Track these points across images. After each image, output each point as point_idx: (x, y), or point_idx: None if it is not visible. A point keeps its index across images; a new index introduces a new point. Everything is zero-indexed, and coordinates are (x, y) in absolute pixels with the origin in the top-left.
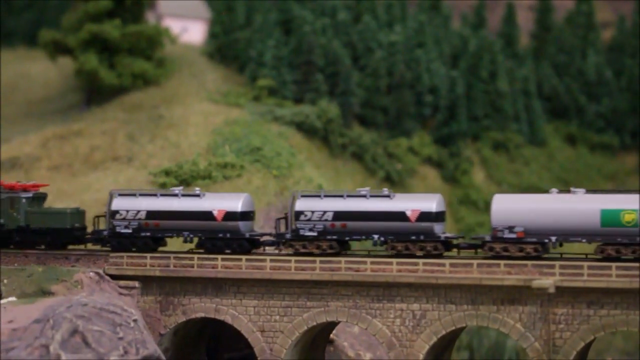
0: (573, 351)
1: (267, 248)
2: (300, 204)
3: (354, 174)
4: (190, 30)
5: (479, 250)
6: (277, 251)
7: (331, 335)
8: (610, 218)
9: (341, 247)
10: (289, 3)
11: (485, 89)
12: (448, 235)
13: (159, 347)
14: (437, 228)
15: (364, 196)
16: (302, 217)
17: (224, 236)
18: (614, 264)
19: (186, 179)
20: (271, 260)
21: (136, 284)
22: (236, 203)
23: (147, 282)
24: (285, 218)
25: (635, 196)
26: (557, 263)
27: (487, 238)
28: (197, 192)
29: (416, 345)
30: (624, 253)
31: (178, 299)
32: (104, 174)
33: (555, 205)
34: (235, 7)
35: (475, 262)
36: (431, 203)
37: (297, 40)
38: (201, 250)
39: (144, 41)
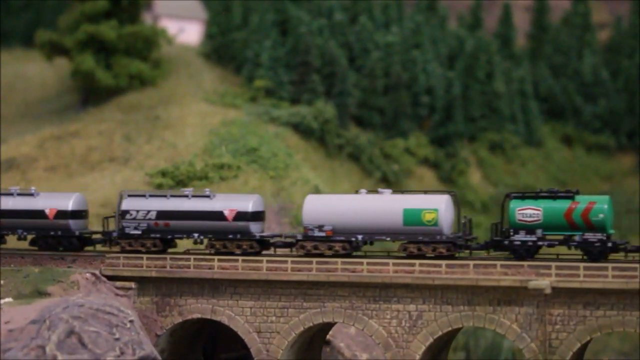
0: (569, 352)
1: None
2: (126, 204)
3: (350, 174)
4: (186, 31)
5: (293, 249)
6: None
7: (328, 336)
8: (411, 217)
9: (165, 245)
10: (285, 4)
11: (481, 90)
12: (264, 234)
13: (155, 348)
14: (254, 227)
15: (186, 196)
16: (127, 216)
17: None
18: (610, 265)
19: (183, 180)
20: (268, 261)
21: (132, 284)
22: (247, 203)
23: (144, 283)
24: (114, 217)
25: (435, 196)
26: (554, 264)
27: (299, 237)
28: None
29: (412, 346)
30: (425, 251)
31: (174, 299)
32: (100, 174)
33: (362, 205)
34: (231, 7)
35: (471, 262)
36: (248, 203)
37: (294, 41)
38: (199, 251)
39: (140, 42)
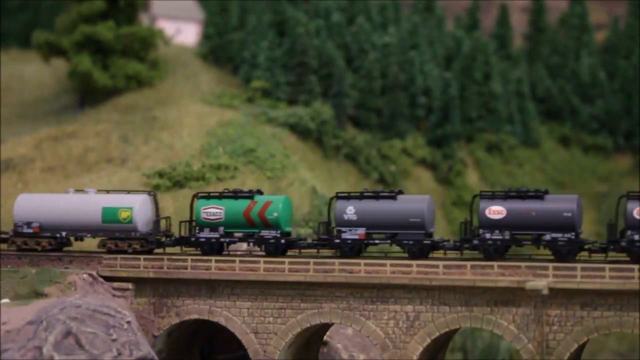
0: (566, 352)
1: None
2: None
3: (347, 175)
4: (184, 32)
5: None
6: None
7: (325, 337)
8: (109, 215)
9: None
10: (282, 4)
11: (478, 91)
12: None
13: (152, 349)
14: None
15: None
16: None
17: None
18: (607, 266)
19: (180, 181)
20: (265, 262)
21: (130, 285)
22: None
23: (141, 284)
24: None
25: (132, 196)
26: (551, 265)
27: (11, 233)
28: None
29: (410, 346)
30: (122, 246)
31: (172, 300)
32: (97, 175)
33: (67, 204)
34: (229, 8)
35: (469, 263)
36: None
37: (291, 41)
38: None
39: (137, 42)
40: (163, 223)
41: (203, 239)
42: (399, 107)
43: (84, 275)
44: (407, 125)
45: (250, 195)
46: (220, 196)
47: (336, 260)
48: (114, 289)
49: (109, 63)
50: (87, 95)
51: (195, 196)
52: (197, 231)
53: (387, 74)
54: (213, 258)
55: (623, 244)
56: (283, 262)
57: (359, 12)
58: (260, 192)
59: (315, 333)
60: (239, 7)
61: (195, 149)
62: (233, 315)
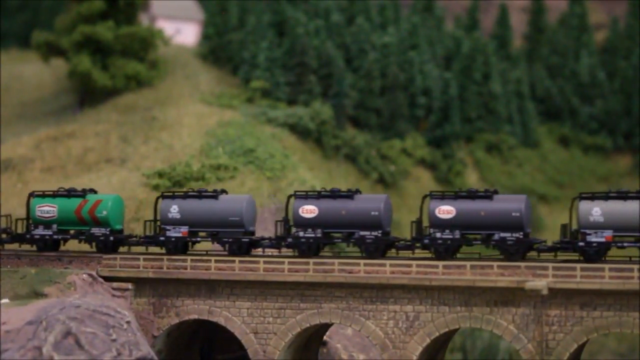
0: (566, 353)
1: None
2: None
3: (347, 175)
4: (183, 32)
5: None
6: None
7: (324, 337)
8: None
9: None
10: (282, 4)
11: (478, 91)
12: None
13: (152, 349)
14: None
15: None
16: None
17: None
18: (607, 266)
19: (179, 181)
20: (265, 262)
21: (129, 285)
22: None
23: (141, 284)
24: None
25: None
26: (550, 265)
27: None
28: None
29: (409, 346)
30: None
31: (171, 300)
32: (97, 175)
33: None
34: (228, 8)
35: (468, 263)
36: None
37: (291, 41)
38: (197, 252)
39: (137, 43)
40: (4, 221)
41: (37, 237)
42: (399, 107)
43: (84, 275)
44: (406, 125)
45: (82, 194)
46: (54, 195)
47: (336, 261)
48: (114, 289)
49: (108, 63)
50: (87, 95)
51: (30, 195)
52: (32, 228)
53: (386, 74)
54: (213, 258)
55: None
56: (283, 262)
57: (358, 12)
58: (94, 191)
59: (314, 333)
60: (239, 7)
61: (194, 149)
62: (233, 316)
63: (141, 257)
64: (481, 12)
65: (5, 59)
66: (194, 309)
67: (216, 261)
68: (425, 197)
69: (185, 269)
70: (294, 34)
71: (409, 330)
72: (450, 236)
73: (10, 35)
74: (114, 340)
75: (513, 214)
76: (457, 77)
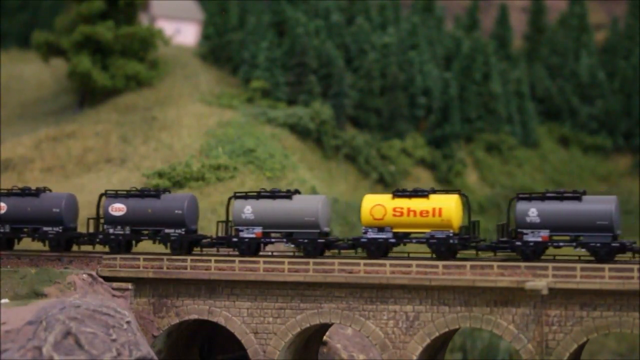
0: (566, 353)
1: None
2: None
3: (347, 175)
4: (183, 32)
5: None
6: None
7: (324, 337)
8: None
9: None
10: (282, 5)
11: (478, 91)
12: None
13: (152, 349)
14: None
15: None
16: None
17: None
18: (607, 266)
19: (179, 181)
20: (264, 262)
21: (129, 285)
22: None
23: (141, 284)
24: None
25: None
26: (550, 265)
27: None
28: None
29: (409, 347)
30: None
31: (171, 300)
32: (96, 175)
33: None
34: (228, 8)
35: (468, 263)
36: None
37: (291, 41)
38: (197, 252)
39: (137, 43)
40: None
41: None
42: (399, 107)
43: (84, 275)
44: (406, 125)
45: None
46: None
47: (335, 260)
48: (114, 289)
49: (108, 63)
50: (87, 95)
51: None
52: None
53: (386, 74)
54: (213, 258)
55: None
56: (283, 262)
57: (358, 12)
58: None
59: (314, 333)
60: (239, 7)
61: (194, 149)
62: (233, 316)
63: (141, 257)
64: (481, 12)
65: (5, 59)
66: (194, 309)
67: (216, 261)
68: (101, 196)
69: (185, 269)
70: (294, 34)
71: (409, 330)
72: (122, 232)
73: (10, 35)
74: (114, 340)
75: (176, 211)
76: (457, 77)
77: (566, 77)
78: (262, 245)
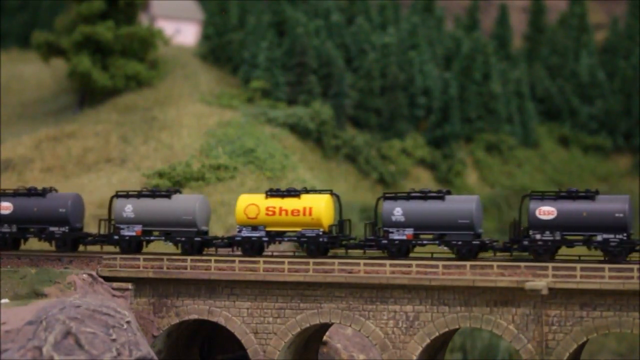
0: (566, 353)
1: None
2: None
3: (347, 175)
4: (183, 32)
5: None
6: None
7: (324, 337)
8: None
9: None
10: (282, 5)
11: (478, 91)
12: None
13: (152, 349)
14: None
15: None
16: None
17: None
18: (606, 266)
19: (179, 181)
20: (264, 262)
21: (129, 285)
22: None
23: (141, 284)
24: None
25: None
26: (550, 265)
27: None
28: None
29: (409, 346)
30: None
31: (171, 300)
32: (96, 175)
33: None
34: (228, 8)
35: (468, 263)
36: None
37: (291, 41)
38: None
39: (137, 43)
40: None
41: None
42: (399, 107)
43: (84, 275)
44: (406, 125)
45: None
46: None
47: (335, 260)
48: (114, 289)
49: (108, 63)
50: (87, 95)
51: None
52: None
53: (386, 74)
54: (212, 258)
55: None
56: (283, 262)
57: (358, 12)
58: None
59: (314, 333)
60: (239, 7)
61: (194, 149)
62: (233, 316)
63: (141, 257)
64: (481, 12)
65: (5, 59)
66: (194, 309)
67: (216, 261)
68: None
69: (185, 269)
70: (294, 34)
71: (408, 330)
72: (9, 230)
73: (10, 35)
74: (114, 340)
75: (61, 210)
76: (457, 77)
77: (566, 77)
78: (144, 243)
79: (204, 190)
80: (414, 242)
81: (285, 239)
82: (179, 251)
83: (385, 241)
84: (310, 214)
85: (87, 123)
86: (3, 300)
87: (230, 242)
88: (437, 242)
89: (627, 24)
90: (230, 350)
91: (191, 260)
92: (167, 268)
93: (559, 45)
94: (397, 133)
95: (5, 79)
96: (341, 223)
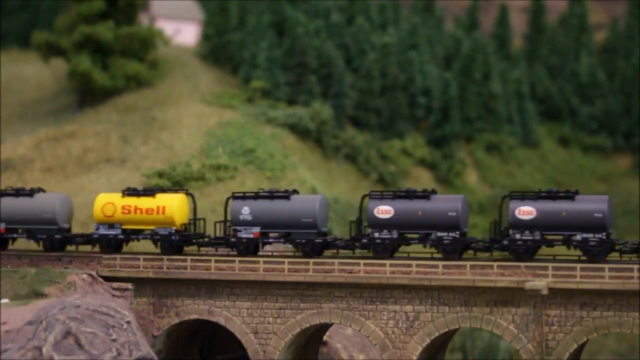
0: (566, 353)
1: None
2: None
3: (347, 175)
4: (183, 32)
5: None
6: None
7: (324, 337)
8: None
9: None
10: (282, 4)
11: (478, 91)
12: None
13: (152, 349)
14: None
15: None
16: None
17: None
18: (607, 266)
19: (179, 181)
20: (264, 262)
21: (129, 285)
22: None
23: (141, 284)
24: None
25: None
26: (550, 265)
27: None
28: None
29: (409, 347)
30: None
31: (171, 300)
32: (97, 175)
33: None
34: (228, 8)
35: (468, 263)
36: None
37: (291, 41)
38: (196, 252)
39: (137, 43)
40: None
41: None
42: (399, 107)
43: (84, 275)
44: (406, 125)
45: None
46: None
47: (335, 260)
48: (114, 289)
49: (108, 63)
50: (87, 95)
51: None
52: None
53: (386, 74)
54: (212, 258)
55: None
56: (283, 262)
57: (358, 12)
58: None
59: (314, 333)
60: (239, 7)
61: (194, 149)
62: (232, 316)
63: (141, 257)
64: (481, 12)
65: (5, 59)
66: (194, 309)
67: (216, 261)
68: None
69: (185, 269)
70: (294, 34)
71: (409, 330)
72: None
73: (10, 35)
74: (114, 340)
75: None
76: (457, 77)
77: (566, 77)
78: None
79: (204, 191)
80: (260, 240)
81: (140, 237)
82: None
83: (233, 239)
84: (163, 212)
85: (87, 123)
86: (3, 300)
87: (89, 240)
88: (281, 240)
89: (627, 24)
90: (230, 350)
91: (191, 260)
92: (167, 268)
93: (559, 45)
94: (397, 133)
95: (5, 79)
96: (195, 222)
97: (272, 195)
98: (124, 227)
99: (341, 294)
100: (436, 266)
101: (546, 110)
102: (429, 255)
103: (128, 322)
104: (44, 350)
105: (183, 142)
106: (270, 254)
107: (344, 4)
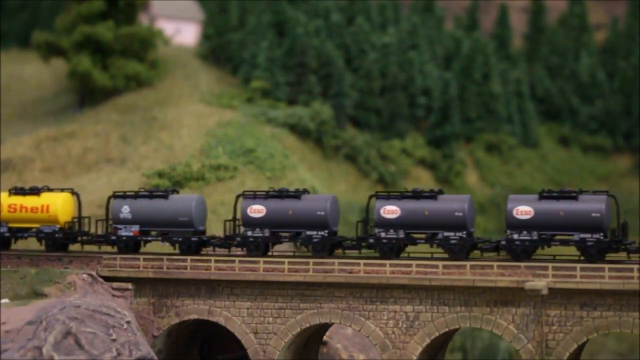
0: (566, 353)
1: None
2: None
3: (347, 175)
4: (183, 32)
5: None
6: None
7: (324, 337)
8: None
9: None
10: (282, 4)
11: (478, 91)
12: None
13: (152, 349)
14: None
15: None
16: None
17: None
18: (607, 266)
19: (179, 181)
20: (264, 262)
21: (129, 285)
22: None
23: (141, 284)
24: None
25: None
26: (550, 265)
27: None
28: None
29: (409, 346)
30: None
31: (171, 300)
32: (97, 175)
33: None
34: (228, 8)
35: (468, 263)
36: None
37: (291, 41)
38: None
39: (137, 43)
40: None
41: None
42: (399, 107)
43: (84, 275)
44: (406, 125)
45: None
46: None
47: (335, 260)
48: (114, 289)
49: (108, 63)
50: (87, 95)
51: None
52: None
53: (386, 74)
54: (212, 258)
55: (113, 238)
56: (283, 262)
57: (358, 12)
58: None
59: (314, 333)
60: (239, 7)
61: (194, 149)
62: (232, 316)
63: (141, 257)
64: (481, 12)
65: (5, 59)
66: (194, 309)
67: (216, 261)
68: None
69: (185, 269)
70: (294, 34)
71: (409, 330)
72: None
73: (10, 35)
74: (114, 340)
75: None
76: (457, 77)
77: (566, 77)
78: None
79: (204, 191)
80: (139, 238)
81: (25, 235)
82: None
83: (114, 237)
84: (47, 211)
85: (87, 123)
86: (3, 300)
87: None
88: (159, 238)
89: (627, 24)
90: (230, 350)
91: (191, 260)
92: (167, 268)
93: (559, 45)
94: (397, 133)
95: (5, 79)
96: (80, 220)
97: (151, 195)
98: (10, 225)
99: (341, 294)
100: (436, 266)
101: (546, 110)
102: (434, 256)
103: (128, 322)
104: (44, 350)
105: (183, 142)
106: (270, 253)
107: (344, 4)
